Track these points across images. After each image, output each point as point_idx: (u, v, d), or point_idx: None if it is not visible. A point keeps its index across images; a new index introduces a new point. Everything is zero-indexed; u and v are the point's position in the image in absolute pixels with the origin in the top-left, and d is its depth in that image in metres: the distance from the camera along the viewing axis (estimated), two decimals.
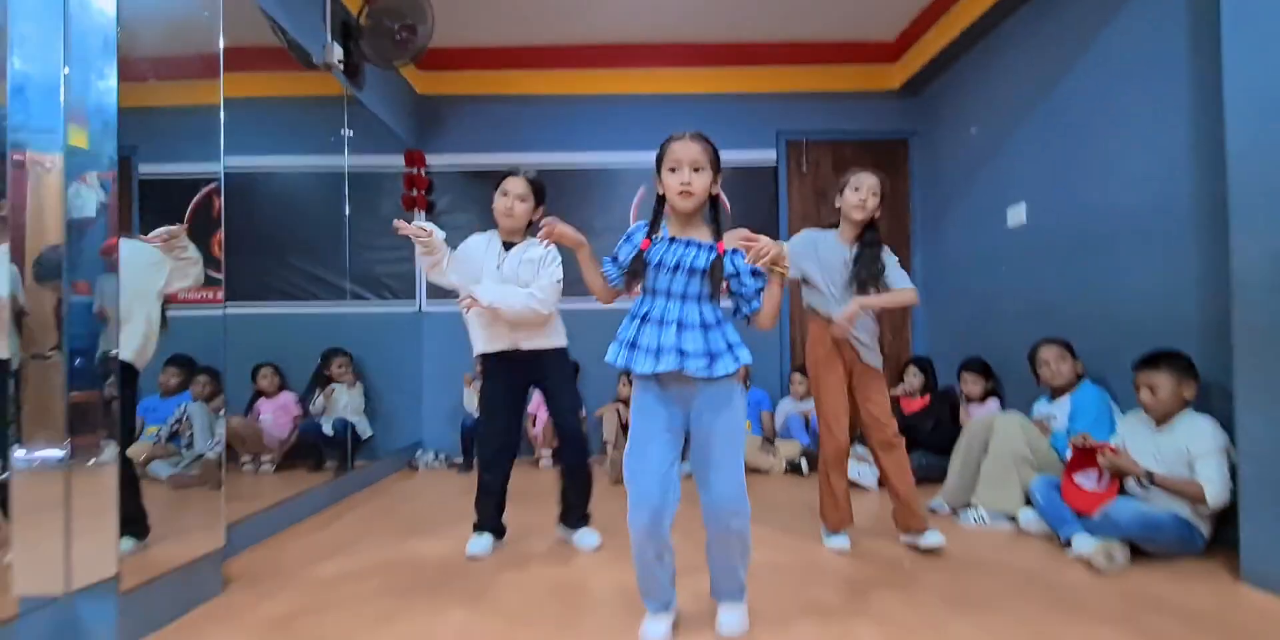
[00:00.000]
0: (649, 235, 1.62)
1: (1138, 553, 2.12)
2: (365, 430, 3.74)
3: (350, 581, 2.09)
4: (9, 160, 1.59)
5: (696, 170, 1.57)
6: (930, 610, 1.78)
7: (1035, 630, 1.65)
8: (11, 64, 1.60)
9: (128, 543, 1.67)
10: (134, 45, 1.74)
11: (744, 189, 4.52)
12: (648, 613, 1.63)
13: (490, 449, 2.38)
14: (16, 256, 1.60)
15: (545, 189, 2.43)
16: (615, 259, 1.68)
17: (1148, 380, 2.21)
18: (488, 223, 4.50)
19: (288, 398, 3.29)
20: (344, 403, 3.63)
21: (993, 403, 3.33)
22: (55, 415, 1.61)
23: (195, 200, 2.13)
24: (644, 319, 1.59)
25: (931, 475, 3.02)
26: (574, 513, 2.43)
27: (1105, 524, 2.12)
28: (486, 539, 2.33)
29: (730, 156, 4.38)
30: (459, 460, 4.12)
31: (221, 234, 2.20)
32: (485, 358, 2.41)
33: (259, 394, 3.22)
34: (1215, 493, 2.00)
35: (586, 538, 2.37)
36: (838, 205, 2.36)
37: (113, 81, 1.68)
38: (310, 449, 3.39)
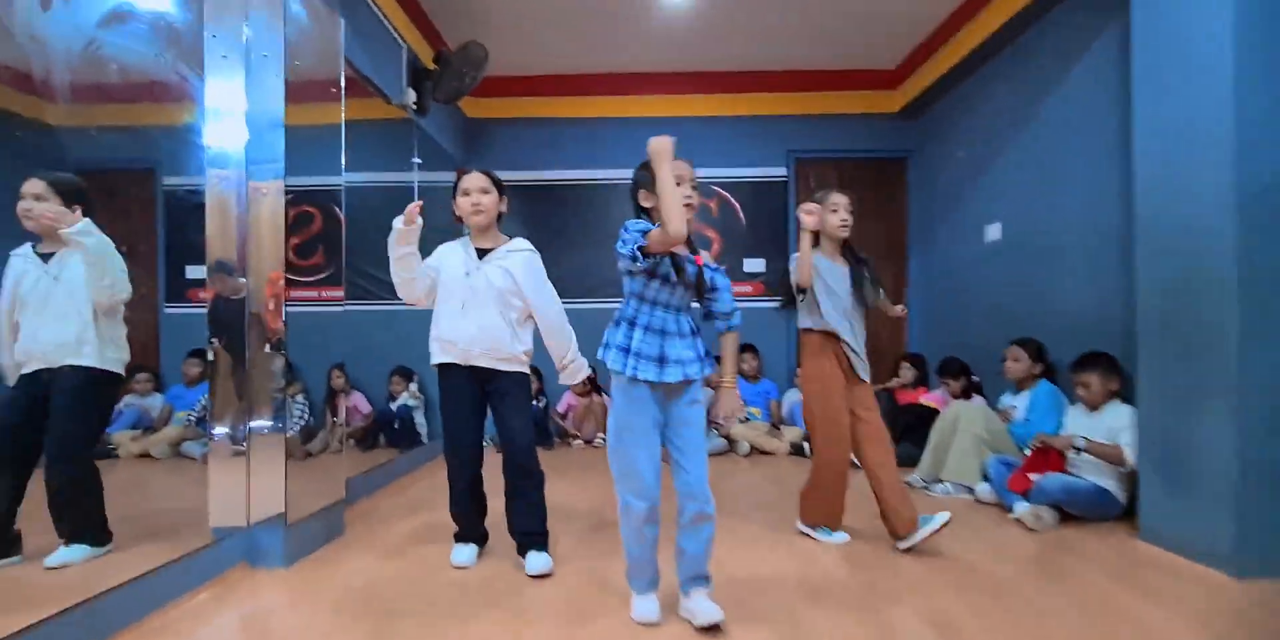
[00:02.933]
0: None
1: (1070, 519, 2.64)
2: (421, 423, 4.30)
3: (437, 526, 2.67)
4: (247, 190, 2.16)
5: (695, 189, 1.72)
6: (891, 555, 2.31)
7: (969, 567, 2.18)
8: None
9: (81, 551, 1.77)
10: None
11: (757, 202, 5.04)
12: (635, 595, 1.78)
13: (458, 460, 2.22)
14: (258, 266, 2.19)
15: (502, 181, 2.33)
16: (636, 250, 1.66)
17: (1081, 378, 2.74)
18: (530, 233, 5.06)
19: (358, 397, 3.86)
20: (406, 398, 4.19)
21: (976, 399, 3.80)
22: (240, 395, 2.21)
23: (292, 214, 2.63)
24: (645, 328, 1.69)
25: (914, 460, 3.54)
26: (534, 539, 2.17)
27: (1038, 493, 2.64)
28: (471, 549, 2.24)
29: (745, 173, 5.04)
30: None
31: (344, 242, 2.70)
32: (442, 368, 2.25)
33: (334, 392, 3.77)
34: (1131, 454, 2.53)
35: (537, 561, 2.11)
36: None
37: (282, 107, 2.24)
38: (380, 430, 3.97)
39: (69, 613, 1.55)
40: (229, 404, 2.20)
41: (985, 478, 2.98)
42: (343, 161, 2.66)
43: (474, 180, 2.24)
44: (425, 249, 2.32)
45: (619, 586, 1.96)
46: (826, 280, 2.43)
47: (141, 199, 2.23)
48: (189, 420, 2.41)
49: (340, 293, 2.93)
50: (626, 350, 1.67)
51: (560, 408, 4.84)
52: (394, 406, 4.14)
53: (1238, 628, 1.72)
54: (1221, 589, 1.98)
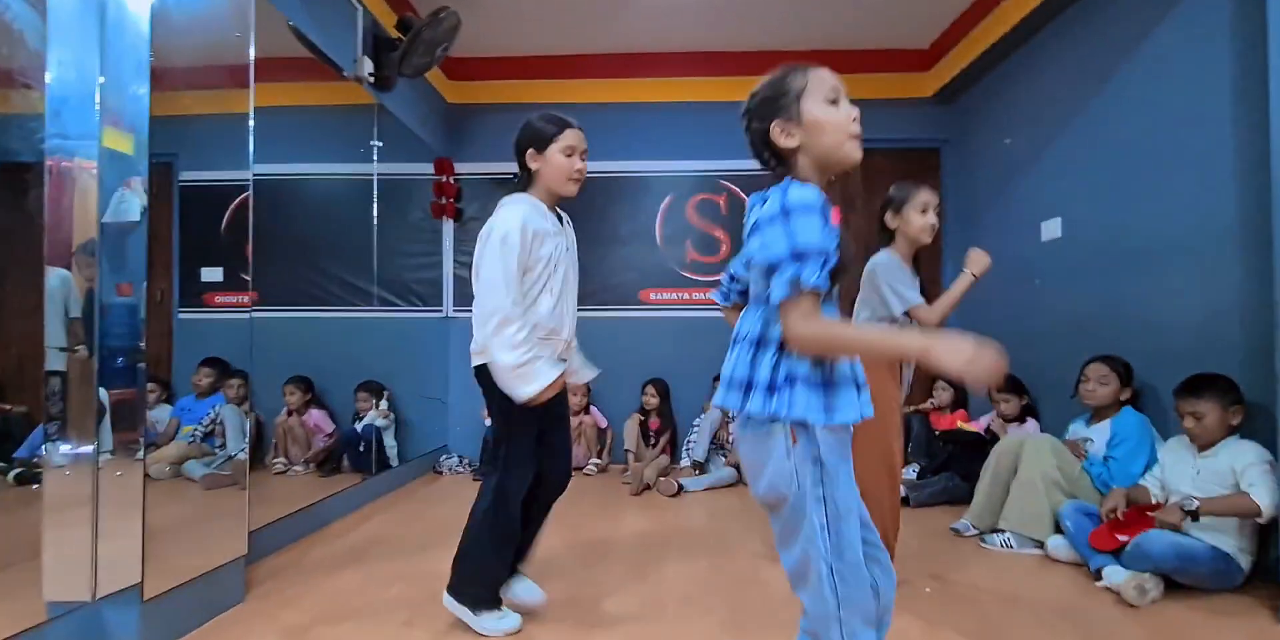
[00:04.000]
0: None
1: (1173, 586, 2.05)
2: (391, 445, 3.77)
3: (371, 587, 2.11)
4: (47, 167, 1.65)
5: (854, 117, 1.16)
6: (939, 622, 1.73)
7: None
8: (50, 75, 1.65)
9: None
10: (169, 56, 1.78)
11: None
12: None
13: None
14: (60, 259, 1.66)
15: None
16: (825, 256, 1.02)
17: (1191, 408, 2.13)
18: None
19: (319, 415, 3.34)
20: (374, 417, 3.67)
21: (1031, 423, 3.22)
22: (87, 414, 1.66)
23: (233, 207, 2.19)
24: None
25: (958, 497, 2.96)
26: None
27: (1138, 555, 2.04)
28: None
29: (756, 165, 4.43)
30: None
31: (250, 239, 2.22)
32: None
33: (290, 411, 3.27)
34: (1266, 500, 1.91)
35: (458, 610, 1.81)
36: (893, 225, 2.09)
37: (144, 90, 1.72)
38: (341, 452, 3.45)
39: None
40: (74, 429, 1.66)
41: (1058, 529, 2.39)
42: (250, 151, 2.14)
43: (583, 137, 1.90)
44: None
45: None
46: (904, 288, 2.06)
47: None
48: (194, 436, 2.18)
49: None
50: (828, 382, 1.05)
51: None
52: (359, 426, 3.61)
53: None
54: None
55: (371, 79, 3.18)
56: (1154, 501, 2.20)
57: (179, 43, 1.83)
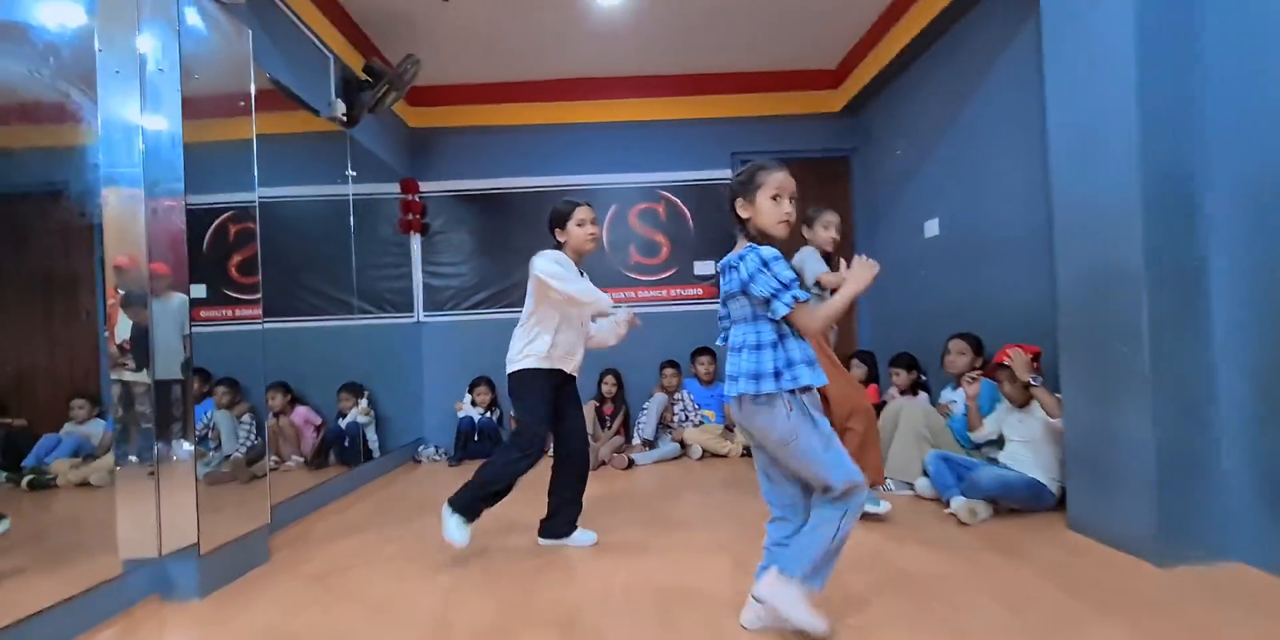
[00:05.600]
0: None
1: (1007, 511, 2.65)
2: (373, 439, 4.23)
3: (370, 548, 2.61)
4: (103, 195, 2.08)
5: (792, 199, 1.69)
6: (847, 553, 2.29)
7: (898, 566, 2.17)
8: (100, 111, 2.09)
9: None
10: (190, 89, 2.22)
11: (702, 205, 5.03)
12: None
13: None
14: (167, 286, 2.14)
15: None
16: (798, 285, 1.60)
17: (1004, 375, 2.75)
18: (480, 241, 4.99)
19: (304, 411, 3.78)
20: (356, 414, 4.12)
21: (922, 396, 3.81)
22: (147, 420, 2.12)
23: (213, 228, 2.52)
24: (792, 337, 1.66)
25: None
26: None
27: (972, 486, 2.64)
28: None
29: (690, 175, 5.03)
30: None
31: (258, 256, 2.61)
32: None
33: (276, 413, 3.68)
34: (1056, 423, 2.56)
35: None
36: (807, 235, 2.84)
37: (178, 120, 2.16)
38: (330, 447, 3.89)
39: None
40: (136, 430, 2.12)
41: (925, 473, 2.98)
42: (255, 177, 2.59)
43: (591, 211, 2.59)
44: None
45: (546, 610, 1.92)
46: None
47: (75, 222, 2.11)
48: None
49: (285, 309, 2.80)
50: (786, 366, 1.61)
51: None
52: (343, 423, 4.06)
53: (1158, 616, 1.73)
54: (1144, 577, 1.99)
55: (345, 119, 3.63)
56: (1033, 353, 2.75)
57: (193, 87, 2.25)
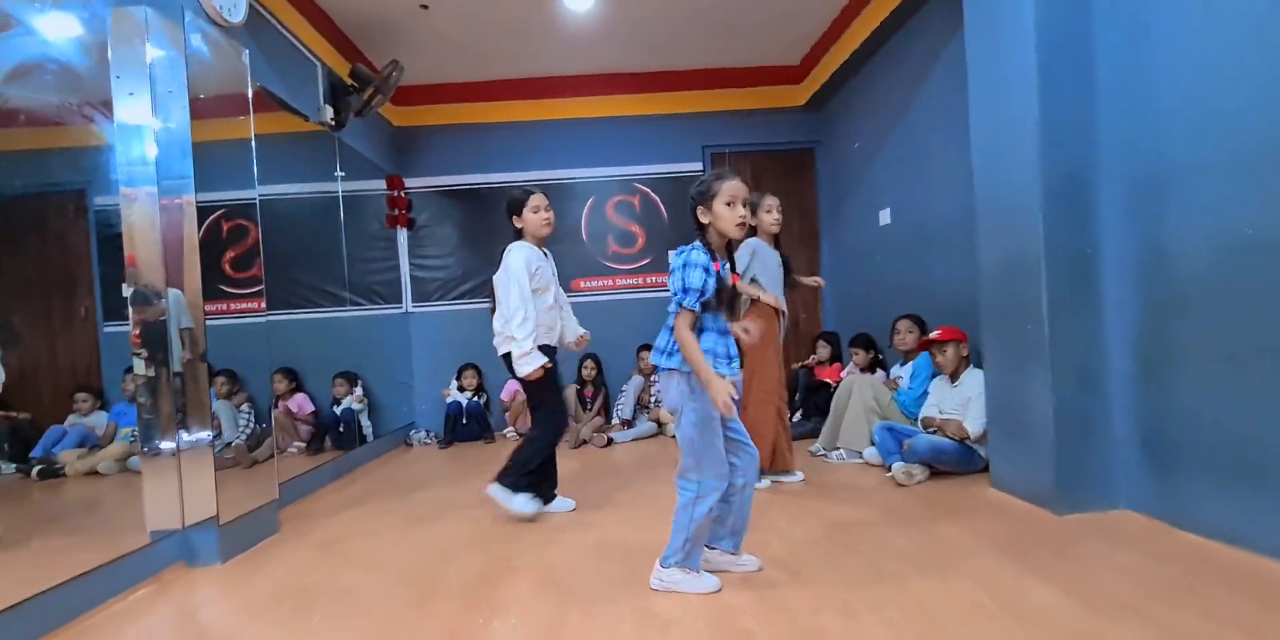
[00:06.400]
0: (715, 260, 1.86)
1: (942, 475, 2.97)
2: (366, 425, 4.50)
3: (369, 519, 2.90)
4: (123, 194, 2.31)
5: (745, 204, 1.86)
6: (791, 513, 2.60)
7: (835, 518, 2.47)
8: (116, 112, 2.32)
9: None
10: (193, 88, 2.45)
11: (675, 197, 5.30)
12: (697, 574, 1.91)
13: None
14: (177, 281, 2.37)
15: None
16: (702, 291, 1.80)
17: (939, 349, 3.06)
18: (464, 235, 5.22)
19: (302, 398, 4.05)
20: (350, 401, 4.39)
21: (879, 374, 4.11)
22: (169, 408, 2.38)
23: (205, 225, 2.68)
24: (713, 330, 1.88)
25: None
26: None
27: (910, 452, 2.96)
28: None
29: (664, 168, 5.28)
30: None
31: (261, 253, 2.86)
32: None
33: (277, 396, 3.94)
34: (973, 427, 2.89)
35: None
36: (752, 223, 2.97)
37: (186, 120, 2.39)
38: (325, 433, 4.16)
39: (15, 608, 1.75)
40: (159, 417, 2.39)
41: (872, 443, 3.29)
42: (255, 178, 2.82)
43: (544, 198, 2.81)
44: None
45: (527, 564, 2.21)
46: (769, 263, 2.98)
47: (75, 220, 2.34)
48: (134, 436, 2.47)
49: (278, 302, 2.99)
50: (719, 356, 1.86)
51: (504, 396, 5.05)
52: (337, 410, 4.32)
53: (1044, 550, 2.04)
54: (1042, 522, 2.31)
55: (333, 123, 3.86)
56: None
57: (197, 103, 2.48)
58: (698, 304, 1.80)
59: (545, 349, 2.73)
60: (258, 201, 2.85)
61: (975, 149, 2.74)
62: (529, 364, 2.60)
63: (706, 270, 1.81)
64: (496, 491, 2.69)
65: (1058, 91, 2.38)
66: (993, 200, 2.65)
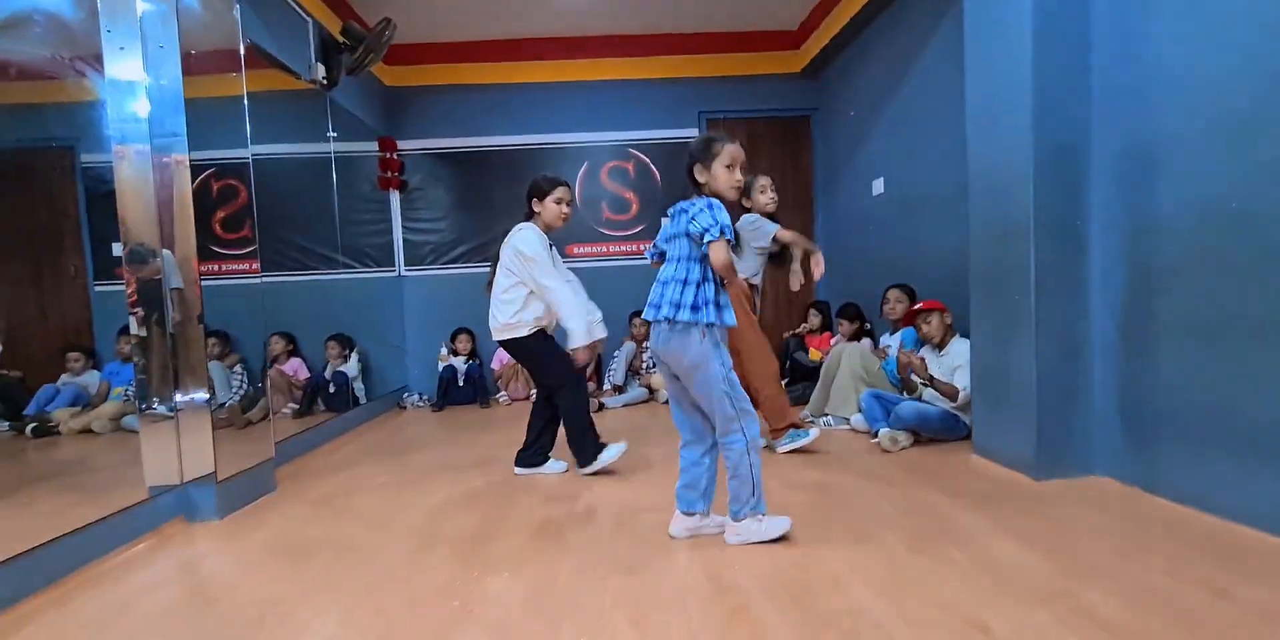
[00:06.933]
0: None
1: (930, 441, 3.04)
2: (359, 388, 4.52)
3: (364, 478, 2.95)
4: (116, 151, 2.27)
5: (741, 169, 1.94)
6: (777, 476, 2.66)
7: (820, 482, 2.54)
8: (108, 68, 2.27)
9: None
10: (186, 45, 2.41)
11: (670, 163, 5.27)
12: (768, 516, 1.96)
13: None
14: (169, 241, 2.35)
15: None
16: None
17: (924, 319, 3.11)
18: (457, 198, 5.20)
19: (296, 363, 4.07)
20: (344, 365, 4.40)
21: (866, 342, 4.16)
22: (166, 367, 2.40)
23: (194, 184, 2.75)
24: (715, 283, 1.92)
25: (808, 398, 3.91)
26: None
27: (895, 419, 3.02)
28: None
29: (659, 134, 5.25)
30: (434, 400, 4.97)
31: (253, 214, 2.83)
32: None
33: (273, 358, 3.95)
34: (961, 394, 2.92)
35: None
36: (746, 204, 3.07)
37: (178, 75, 2.36)
38: (318, 395, 4.19)
39: (17, 559, 1.80)
40: (156, 376, 2.41)
41: (860, 409, 3.35)
42: (248, 137, 2.80)
43: (570, 192, 2.81)
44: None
45: (519, 522, 2.27)
46: (765, 232, 2.99)
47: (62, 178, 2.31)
48: (127, 395, 2.49)
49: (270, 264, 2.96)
50: (704, 304, 1.87)
51: (494, 364, 5.10)
52: (329, 373, 4.35)
53: (1020, 514, 2.10)
54: (1020, 487, 2.38)
55: (325, 82, 3.79)
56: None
57: (189, 59, 2.44)
58: (732, 235, 1.84)
59: (541, 333, 2.78)
60: (250, 161, 2.83)
61: (970, 115, 2.74)
62: (585, 338, 2.68)
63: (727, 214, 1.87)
64: (588, 469, 2.78)
65: (1052, 58, 2.37)
66: (984, 167, 2.66)
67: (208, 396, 2.45)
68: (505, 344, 2.78)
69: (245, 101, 2.77)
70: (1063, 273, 2.41)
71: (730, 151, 1.91)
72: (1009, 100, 2.48)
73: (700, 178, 1.93)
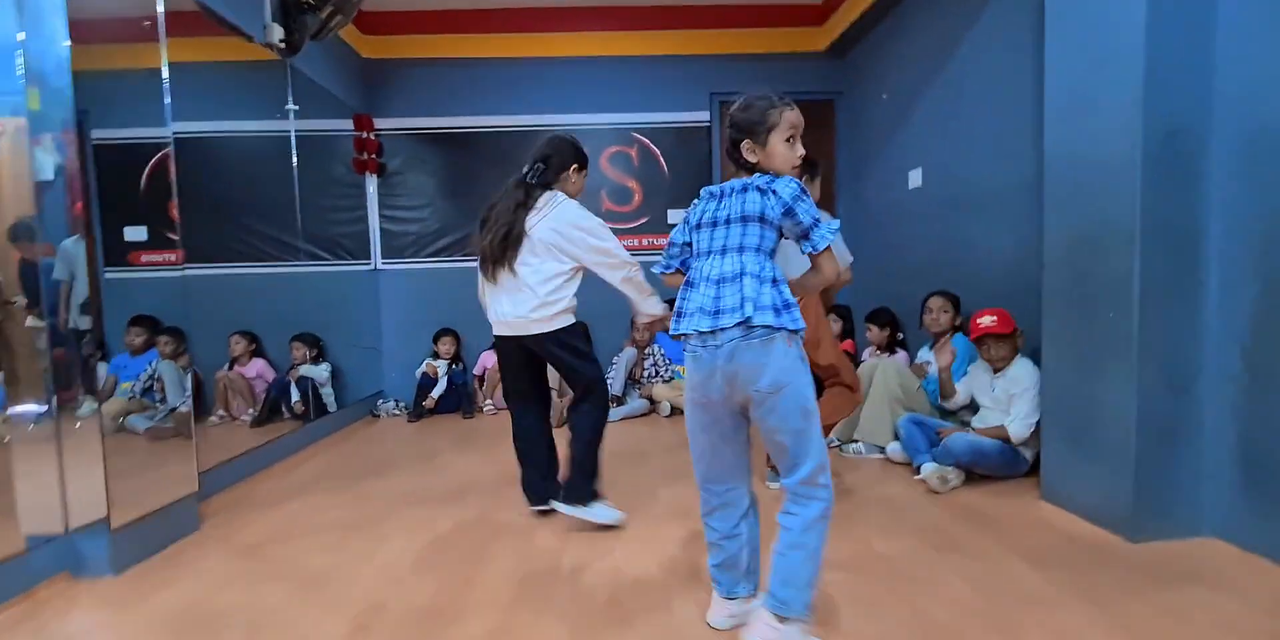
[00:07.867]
0: None
1: (979, 477, 2.57)
2: (328, 393, 4.04)
3: (311, 513, 2.47)
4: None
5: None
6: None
7: (862, 541, 2.06)
8: None
9: None
10: (81, 8, 1.92)
11: (679, 148, 4.76)
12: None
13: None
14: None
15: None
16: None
17: (993, 341, 2.61)
18: (441, 183, 4.71)
19: (260, 365, 3.58)
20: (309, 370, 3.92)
21: (901, 355, 3.66)
22: (37, 374, 1.91)
23: (150, 165, 2.34)
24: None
25: None
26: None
27: (944, 453, 2.54)
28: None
29: (666, 117, 4.73)
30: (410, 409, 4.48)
31: (175, 198, 2.38)
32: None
33: (233, 359, 3.48)
34: (1016, 431, 2.49)
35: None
36: None
37: (65, 43, 1.87)
38: (278, 402, 3.71)
39: None
40: (30, 386, 1.92)
41: (896, 436, 2.88)
42: (167, 110, 2.31)
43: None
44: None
45: (488, 590, 1.80)
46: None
47: None
48: (133, 392, 2.27)
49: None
50: (786, 307, 1.41)
51: (476, 370, 4.61)
52: (295, 378, 3.87)
53: (1129, 598, 1.64)
54: (1115, 553, 1.91)
55: (283, 45, 3.28)
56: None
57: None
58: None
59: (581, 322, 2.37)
60: (172, 138, 2.34)
61: (1050, 96, 2.25)
62: (660, 307, 2.39)
63: None
64: (569, 510, 2.26)
65: (1167, 29, 1.88)
66: (1070, 160, 2.17)
67: (97, 416, 1.96)
68: (540, 339, 2.27)
69: (164, 72, 2.28)
70: (1173, 287, 1.93)
71: (790, 120, 1.45)
72: (1108, 75, 1.99)
73: (751, 157, 1.47)
